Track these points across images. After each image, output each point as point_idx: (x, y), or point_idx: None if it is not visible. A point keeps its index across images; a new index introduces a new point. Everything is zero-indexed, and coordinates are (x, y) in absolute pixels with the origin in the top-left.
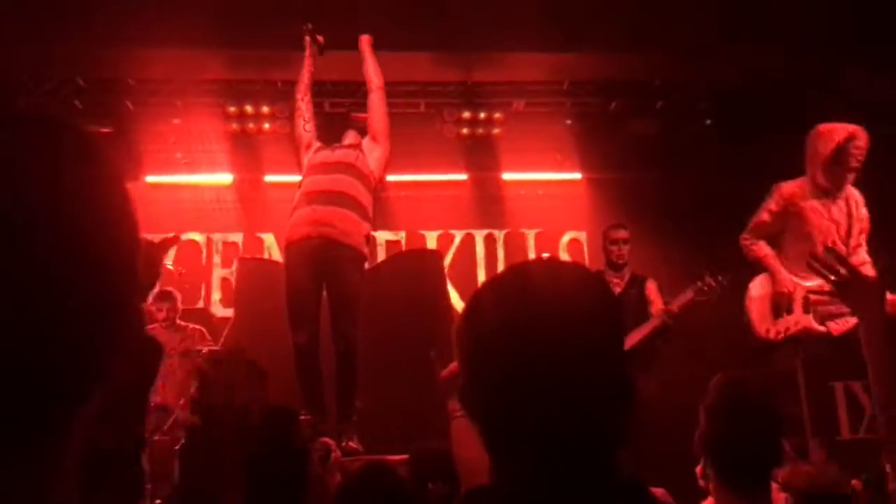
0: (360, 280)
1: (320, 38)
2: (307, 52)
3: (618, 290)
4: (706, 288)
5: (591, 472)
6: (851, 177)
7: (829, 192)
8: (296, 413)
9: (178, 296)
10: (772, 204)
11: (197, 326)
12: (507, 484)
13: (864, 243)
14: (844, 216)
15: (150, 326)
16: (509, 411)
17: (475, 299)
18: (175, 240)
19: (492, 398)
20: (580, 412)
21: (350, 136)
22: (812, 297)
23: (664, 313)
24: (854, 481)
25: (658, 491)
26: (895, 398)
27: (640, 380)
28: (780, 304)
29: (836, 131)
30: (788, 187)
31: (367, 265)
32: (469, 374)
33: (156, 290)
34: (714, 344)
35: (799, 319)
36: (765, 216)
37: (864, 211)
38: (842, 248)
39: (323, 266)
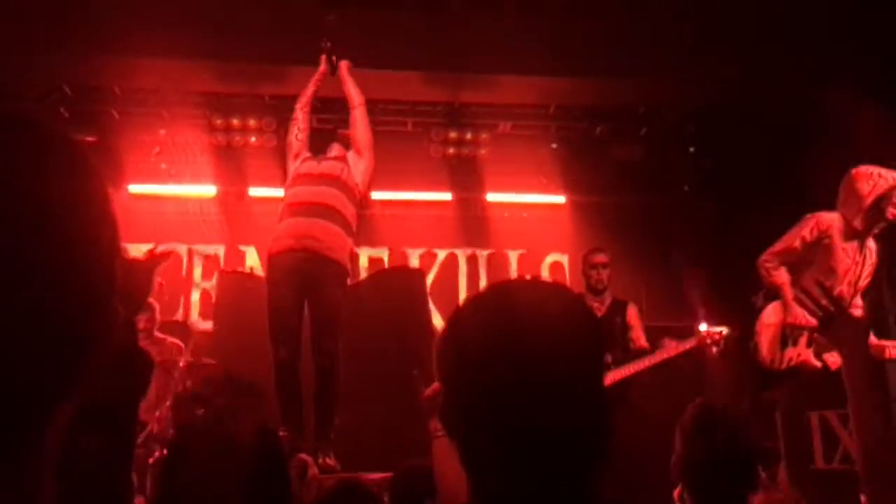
0: (343, 296)
1: (335, 59)
2: (320, 69)
3: (599, 314)
4: (709, 339)
5: (567, 493)
6: (884, 227)
7: (859, 237)
8: (275, 431)
9: (157, 306)
10: (806, 233)
11: (175, 340)
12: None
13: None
14: (862, 262)
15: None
16: (489, 431)
17: (456, 317)
18: (169, 254)
19: (472, 417)
20: (559, 434)
21: (335, 149)
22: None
23: (655, 355)
24: None
25: None
26: (877, 444)
27: (618, 405)
28: (787, 335)
29: (883, 178)
30: (826, 220)
31: (349, 281)
32: (450, 392)
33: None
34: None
35: (801, 352)
36: (797, 243)
37: (875, 258)
38: (849, 291)
39: (306, 280)
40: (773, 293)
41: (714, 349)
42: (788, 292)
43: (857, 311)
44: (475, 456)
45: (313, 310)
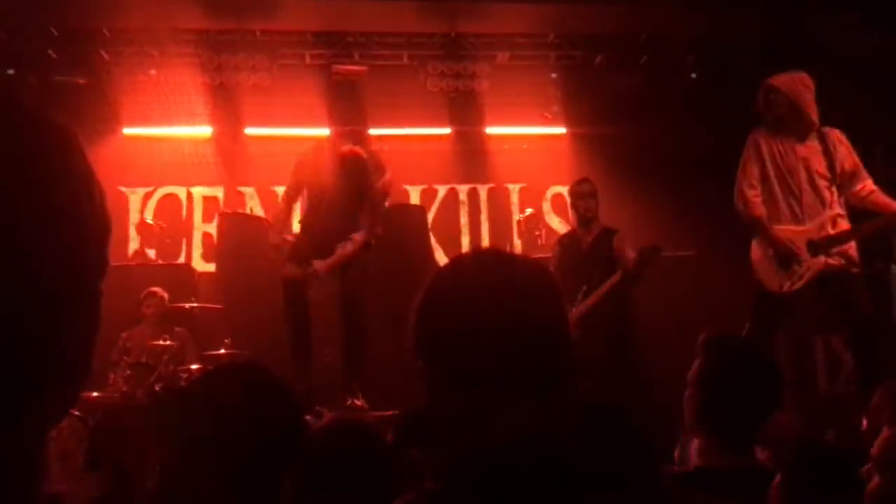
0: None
1: None
2: None
3: (584, 245)
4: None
5: (530, 419)
6: (808, 121)
7: (795, 133)
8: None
9: (166, 295)
10: (750, 149)
11: (183, 330)
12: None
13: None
14: (821, 151)
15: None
16: (459, 362)
17: (433, 285)
18: None
19: (443, 352)
20: (524, 373)
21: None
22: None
23: (622, 272)
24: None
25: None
26: None
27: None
28: (787, 257)
29: (786, 81)
30: (754, 133)
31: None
32: (426, 336)
33: (144, 292)
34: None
35: (811, 265)
36: (747, 167)
37: (844, 147)
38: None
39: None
40: (750, 227)
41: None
42: (765, 224)
43: (843, 223)
44: (443, 380)
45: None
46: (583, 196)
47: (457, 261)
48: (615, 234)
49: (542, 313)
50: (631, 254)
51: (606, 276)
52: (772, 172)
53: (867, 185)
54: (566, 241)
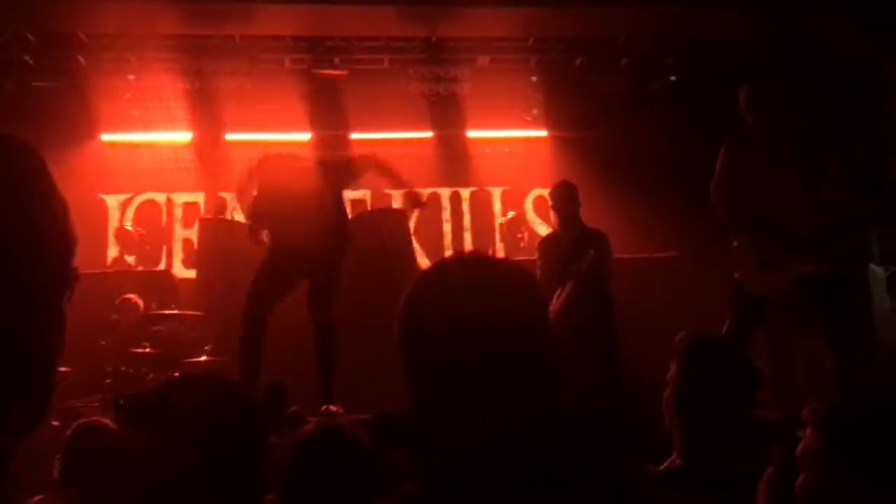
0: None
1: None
2: None
3: (567, 244)
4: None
5: (513, 433)
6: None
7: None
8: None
9: (140, 302)
10: (723, 150)
11: (157, 352)
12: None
13: None
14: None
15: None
16: (446, 383)
17: (416, 289)
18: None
19: (426, 355)
20: (506, 381)
21: None
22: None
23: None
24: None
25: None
26: None
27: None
28: (766, 259)
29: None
30: (735, 132)
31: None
32: (412, 352)
33: (118, 299)
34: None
35: (791, 265)
36: (721, 164)
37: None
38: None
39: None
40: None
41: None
42: (747, 224)
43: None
44: (428, 400)
45: (313, 279)
46: (562, 198)
47: (440, 264)
48: (599, 235)
49: (525, 317)
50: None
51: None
52: (751, 172)
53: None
54: (547, 244)
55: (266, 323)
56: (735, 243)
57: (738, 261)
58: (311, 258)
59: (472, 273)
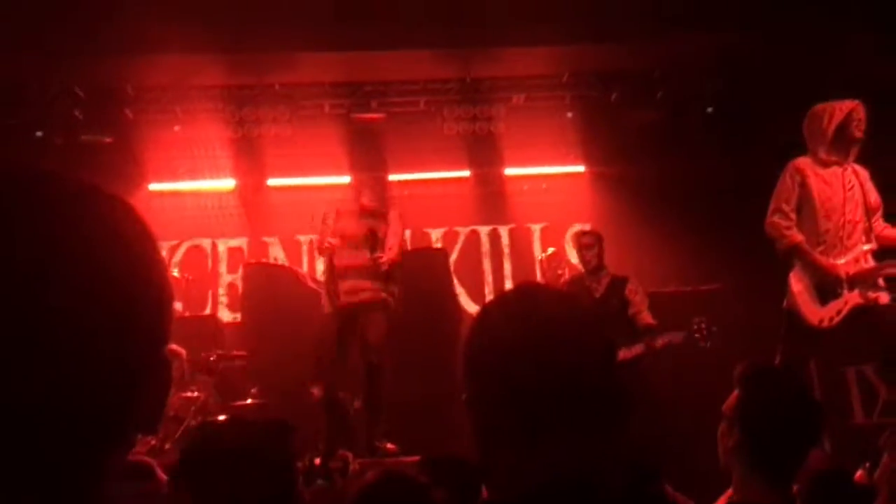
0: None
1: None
2: None
3: (596, 294)
4: (697, 335)
5: (582, 470)
6: (856, 149)
7: (836, 164)
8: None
9: (184, 352)
10: (787, 178)
11: (206, 378)
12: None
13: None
14: (854, 184)
15: None
16: (514, 417)
17: (482, 320)
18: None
19: (499, 406)
20: (573, 419)
21: None
22: (851, 274)
23: (646, 346)
24: (859, 471)
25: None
26: None
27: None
28: (826, 290)
29: (838, 108)
30: (799, 161)
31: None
32: (478, 385)
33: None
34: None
35: (847, 299)
36: (784, 192)
37: (870, 184)
38: (853, 214)
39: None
40: (788, 255)
41: (701, 342)
42: (810, 250)
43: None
44: (498, 440)
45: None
46: (587, 247)
47: (503, 297)
48: (626, 282)
49: (593, 349)
50: (642, 303)
51: (624, 327)
52: (810, 202)
53: (880, 221)
54: (575, 290)
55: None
56: (793, 273)
57: (798, 292)
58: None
59: (530, 309)
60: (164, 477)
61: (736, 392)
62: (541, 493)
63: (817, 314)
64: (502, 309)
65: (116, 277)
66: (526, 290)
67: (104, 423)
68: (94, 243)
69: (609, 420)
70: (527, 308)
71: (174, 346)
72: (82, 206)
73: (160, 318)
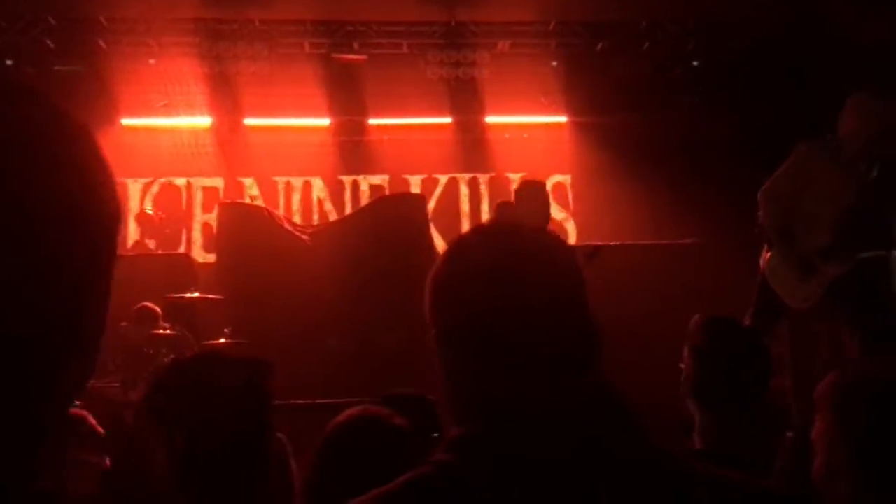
0: None
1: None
2: None
3: None
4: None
5: (555, 397)
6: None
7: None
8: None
9: (159, 312)
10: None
11: (181, 334)
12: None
13: None
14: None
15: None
16: (483, 353)
17: (451, 255)
18: None
19: (468, 341)
20: (548, 349)
21: None
22: None
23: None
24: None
25: None
26: None
27: None
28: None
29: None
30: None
31: None
32: (445, 322)
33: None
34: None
35: (827, 272)
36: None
37: None
38: None
39: None
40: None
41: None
42: None
43: None
44: (467, 374)
45: None
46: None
47: (471, 234)
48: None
49: (569, 283)
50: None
51: None
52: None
53: None
54: None
55: None
56: (767, 253)
57: (774, 269)
58: None
59: (502, 242)
60: (100, 430)
61: (687, 344)
62: (512, 432)
63: (794, 293)
64: (477, 239)
65: (56, 177)
66: (500, 225)
67: (52, 332)
68: (29, 140)
69: (581, 356)
70: (502, 240)
71: (147, 304)
72: (19, 106)
73: (102, 222)
